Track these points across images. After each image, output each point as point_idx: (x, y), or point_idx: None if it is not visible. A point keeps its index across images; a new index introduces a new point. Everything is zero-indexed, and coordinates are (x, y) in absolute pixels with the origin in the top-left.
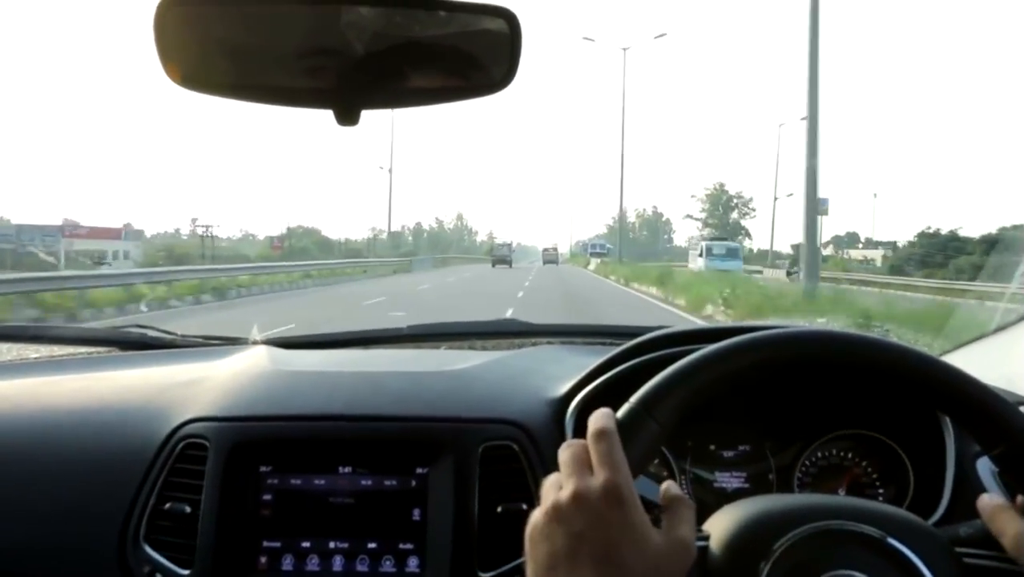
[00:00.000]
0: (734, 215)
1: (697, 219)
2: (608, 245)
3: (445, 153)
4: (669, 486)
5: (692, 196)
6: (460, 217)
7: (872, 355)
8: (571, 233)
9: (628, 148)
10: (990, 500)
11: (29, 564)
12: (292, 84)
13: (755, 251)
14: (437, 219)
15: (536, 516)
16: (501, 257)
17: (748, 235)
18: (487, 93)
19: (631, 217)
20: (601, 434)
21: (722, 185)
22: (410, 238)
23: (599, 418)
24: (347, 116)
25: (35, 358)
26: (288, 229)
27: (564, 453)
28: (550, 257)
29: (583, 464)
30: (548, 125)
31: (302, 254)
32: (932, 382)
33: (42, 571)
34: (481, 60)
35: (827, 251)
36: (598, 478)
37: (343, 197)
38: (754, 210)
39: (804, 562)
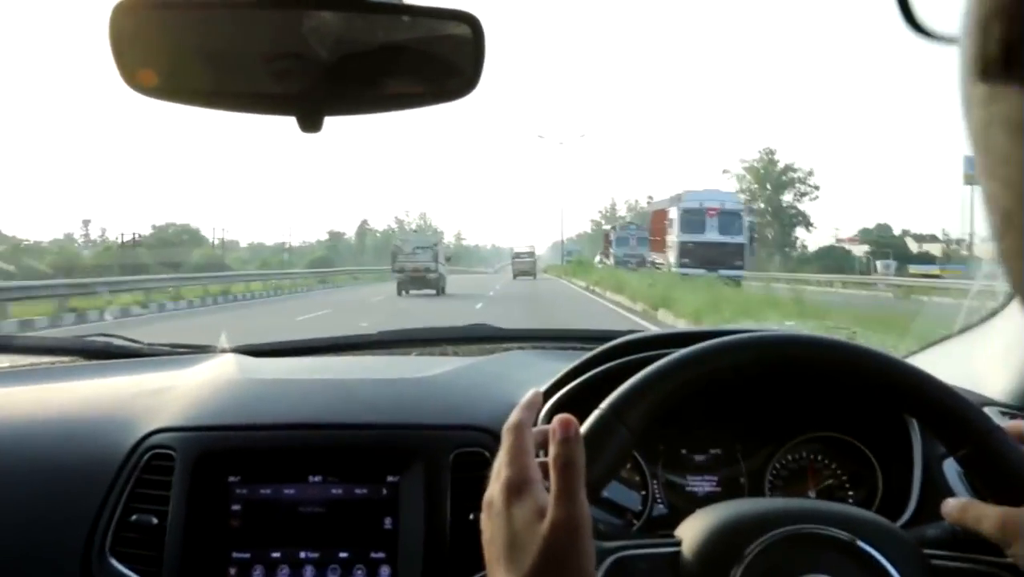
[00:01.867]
0: (787, 196)
1: None
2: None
3: (408, 145)
4: (551, 435)
5: (725, 172)
6: (424, 217)
7: (837, 357)
8: (555, 232)
9: (617, 119)
10: (955, 501)
11: None
12: (253, 90)
13: (810, 250)
14: (397, 219)
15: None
16: (524, 268)
17: (807, 224)
18: (452, 99)
19: (621, 211)
20: (507, 432)
21: (771, 153)
22: (354, 240)
23: (515, 411)
24: (310, 123)
25: None
26: (154, 228)
27: (495, 462)
28: (524, 266)
29: (497, 470)
30: (519, 106)
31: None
32: (897, 384)
33: None
34: (445, 65)
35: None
36: (500, 479)
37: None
38: (816, 189)
39: (776, 566)
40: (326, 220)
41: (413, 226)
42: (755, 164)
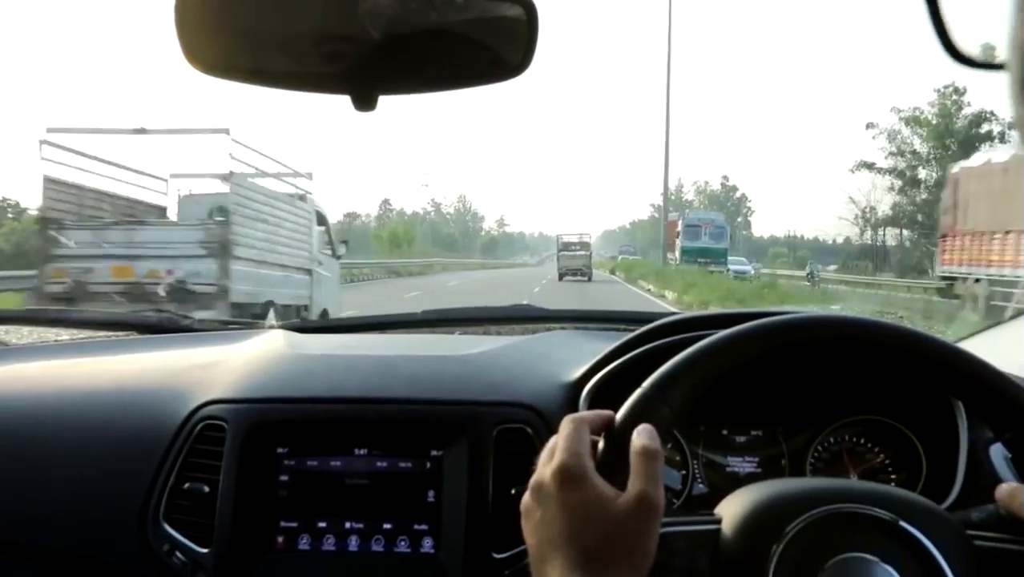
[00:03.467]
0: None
1: (884, 170)
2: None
3: (443, 119)
4: (635, 436)
5: (869, 126)
6: (463, 200)
7: (887, 339)
8: (608, 219)
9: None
10: (1007, 486)
11: (52, 540)
12: (310, 70)
13: None
14: (433, 201)
15: (522, 505)
16: (574, 264)
17: None
18: (504, 79)
19: (688, 193)
20: (568, 421)
21: (958, 92)
22: (372, 222)
23: (579, 414)
24: (365, 101)
25: (55, 341)
26: None
27: (546, 447)
28: (574, 261)
29: (550, 453)
30: (570, 86)
31: None
32: (946, 367)
33: (65, 547)
34: (498, 46)
35: None
36: (552, 464)
37: None
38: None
39: (816, 545)
40: (343, 199)
41: (451, 209)
42: (928, 113)
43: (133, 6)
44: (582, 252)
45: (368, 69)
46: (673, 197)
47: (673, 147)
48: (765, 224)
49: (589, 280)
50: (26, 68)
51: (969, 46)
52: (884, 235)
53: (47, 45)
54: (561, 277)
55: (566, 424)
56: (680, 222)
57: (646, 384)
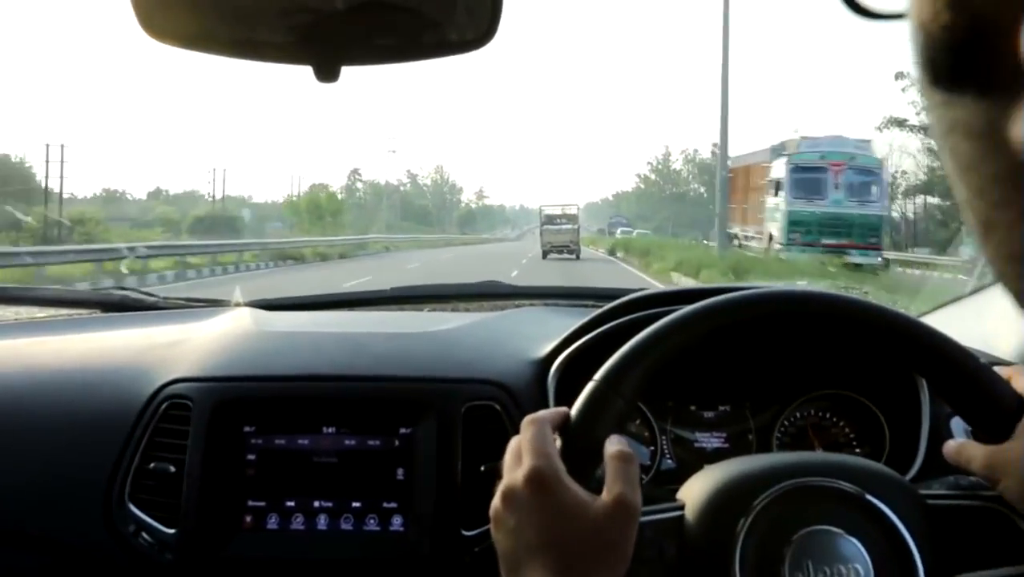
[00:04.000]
0: None
1: (916, 128)
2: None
3: (424, 92)
4: (608, 443)
5: (899, 76)
6: (440, 171)
7: (850, 313)
8: (593, 191)
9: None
10: (953, 442)
11: (15, 522)
12: (270, 39)
13: None
14: (409, 172)
15: (492, 512)
16: (560, 240)
17: None
18: (469, 49)
19: (676, 162)
20: (528, 423)
21: None
22: (342, 194)
23: (538, 413)
24: (326, 73)
25: (15, 319)
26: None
27: (508, 449)
28: (560, 236)
29: (516, 456)
30: (551, 51)
31: None
32: (907, 341)
33: (28, 529)
34: (463, 16)
35: None
36: (523, 467)
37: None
38: None
39: (782, 518)
40: (310, 171)
41: (428, 180)
42: (703, 158)
43: None
44: (568, 225)
45: (330, 39)
46: (659, 166)
47: (659, 111)
48: None
49: (577, 258)
50: None
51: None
52: (915, 204)
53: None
54: (545, 255)
55: (527, 426)
56: (781, 166)
57: (597, 376)
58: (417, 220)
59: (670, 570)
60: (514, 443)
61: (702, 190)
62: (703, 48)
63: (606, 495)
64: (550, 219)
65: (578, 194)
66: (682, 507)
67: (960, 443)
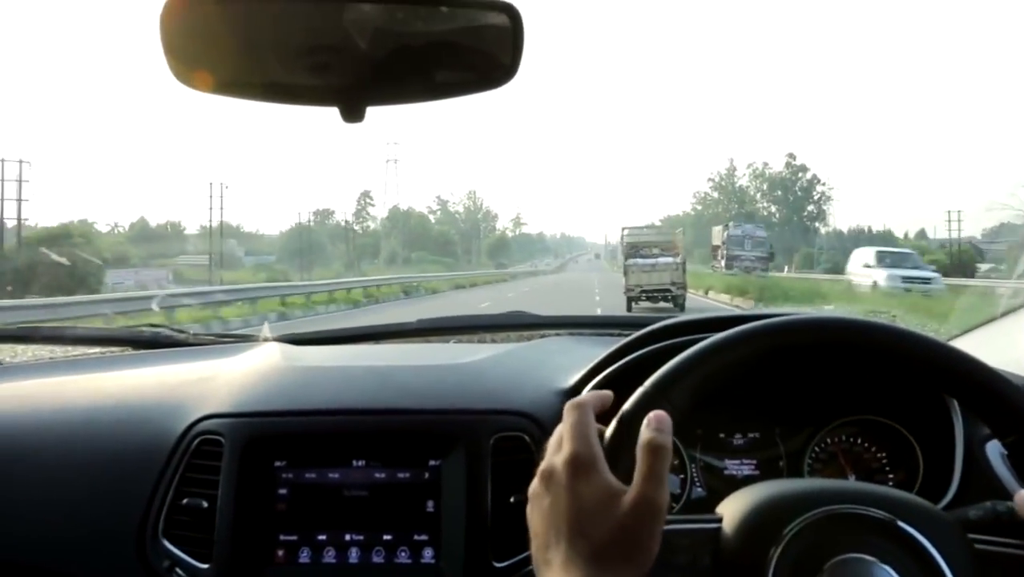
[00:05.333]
0: (810, 206)
1: None
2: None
3: (456, 117)
4: (643, 427)
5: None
6: (472, 196)
7: (882, 340)
8: (634, 216)
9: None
10: None
11: (50, 560)
12: (297, 81)
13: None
14: (439, 199)
15: (530, 491)
16: (654, 283)
17: (823, 220)
18: (492, 87)
19: (742, 178)
20: (571, 408)
21: (796, 164)
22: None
23: (581, 396)
24: (352, 113)
25: (50, 358)
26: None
27: (554, 434)
28: (652, 276)
29: (558, 441)
30: (590, 78)
31: None
32: (943, 368)
33: (63, 567)
34: (484, 55)
35: None
36: (563, 452)
37: None
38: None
39: (814, 546)
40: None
41: (459, 207)
42: (774, 172)
43: (120, 18)
44: (667, 259)
45: (355, 80)
46: (722, 182)
47: (722, 123)
48: (851, 215)
49: (682, 310)
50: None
51: None
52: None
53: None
54: (632, 304)
55: (570, 411)
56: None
57: (648, 383)
58: (438, 250)
59: None
60: (557, 430)
61: (773, 209)
62: (775, 41)
63: (632, 491)
64: (636, 249)
65: (620, 219)
66: (720, 520)
67: None
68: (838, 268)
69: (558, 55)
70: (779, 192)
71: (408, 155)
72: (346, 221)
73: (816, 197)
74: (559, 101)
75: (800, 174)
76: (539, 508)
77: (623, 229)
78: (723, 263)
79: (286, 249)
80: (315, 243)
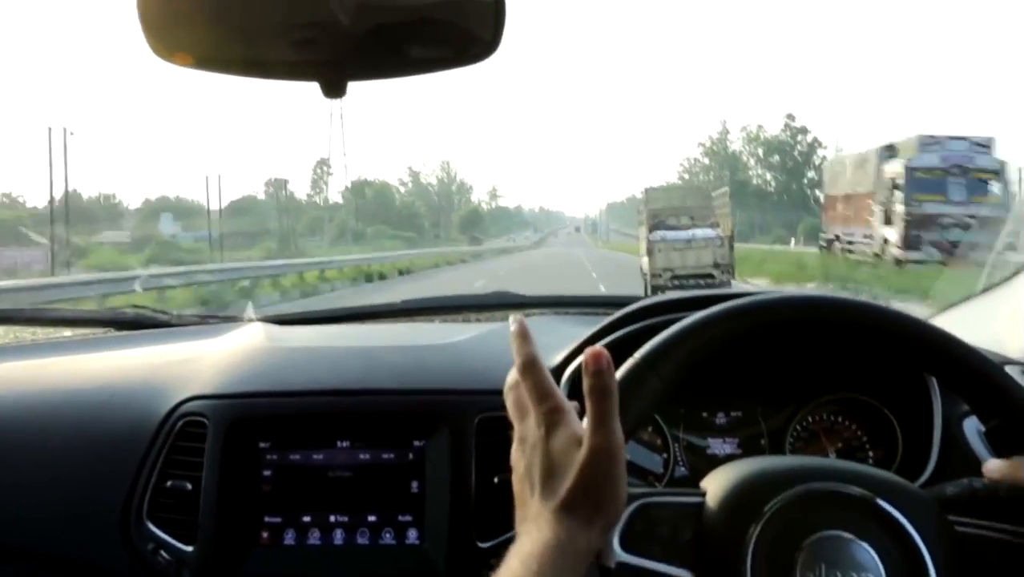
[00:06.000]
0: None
1: None
2: None
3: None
4: (584, 359)
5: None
6: (446, 167)
7: (861, 317)
8: (619, 188)
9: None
10: (999, 462)
11: (34, 542)
12: (277, 57)
13: None
14: (411, 170)
15: (511, 459)
16: (690, 265)
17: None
18: (473, 62)
19: (735, 142)
20: (524, 368)
21: (794, 124)
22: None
23: (516, 347)
24: (333, 88)
25: (32, 340)
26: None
27: (508, 399)
28: (688, 256)
29: (518, 407)
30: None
31: None
32: (918, 344)
33: (48, 548)
34: (466, 30)
35: None
36: (533, 413)
37: None
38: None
39: (794, 522)
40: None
41: (432, 179)
42: (770, 136)
43: None
44: (706, 231)
45: (337, 55)
46: (714, 147)
47: (711, 83)
48: None
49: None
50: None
51: None
52: None
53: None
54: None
55: (526, 374)
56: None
57: (637, 355)
58: (402, 224)
59: (682, 553)
60: (511, 393)
61: (768, 177)
62: None
63: (586, 439)
64: (661, 218)
65: (602, 193)
66: (703, 495)
67: (1000, 463)
68: None
69: (535, 20)
70: (776, 157)
71: (377, 122)
72: (272, 188)
73: (818, 162)
74: (537, 70)
75: (800, 137)
76: (517, 471)
77: (644, 191)
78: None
79: (229, 224)
80: (263, 216)
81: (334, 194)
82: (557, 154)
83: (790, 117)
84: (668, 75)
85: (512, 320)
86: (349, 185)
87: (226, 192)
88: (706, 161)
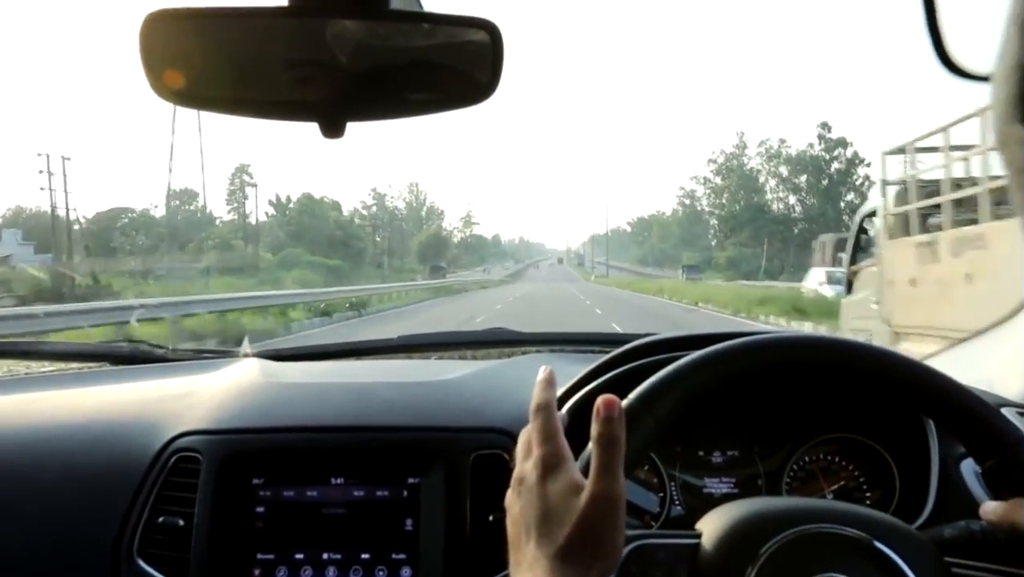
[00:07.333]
0: (849, 195)
1: None
2: None
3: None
4: (596, 409)
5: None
6: (414, 189)
7: (863, 361)
8: (587, 226)
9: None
10: (996, 504)
11: None
12: (277, 98)
13: None
14: (375, 192)
15: (506, 501)
16: None
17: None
18: (471, 103)
19: (752, 159)
20: (537, 409)
21: (830, 134)
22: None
23: (537, 391)
24: (332, 128)
25: (26, 374)
26: None
27: (521, 438)
28: None
29: (526, 447)
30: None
31: None
32: (919, 388)
33: None
34: (465, 71)
35: None
36: (534, 455)
37: None
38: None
39: (791, 565)
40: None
41: (400, 201)
42: (799, 151)
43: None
44: None
45: (336, 95)
46: (729, 163)
47: (729, 91)
48: None
49: None
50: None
51: (965, 57)
52: None
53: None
54: None
55: (535, 415)
56: None
57: (632, 396)
58: (333, 249)
59: None
60: (524, 434)
61: (791, 200)
62: None
63: (589, 486)
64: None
65: (583, 226)
66: (699, 536)
67: (1008, 506)
68: None
69: (520, 47)
70: (806, 177)
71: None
72: (178, 201)
73: (858, 182)
74: (520, 96)
75: (838, 151)
76: (511, 514)
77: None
78: None
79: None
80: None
81: (259, 209)
82: (539, 183)
83: (824, 127)
84: (661, 95)
85: (543, 369)
86: (274, 200)
87: (101, 203)
88: (718, 180)
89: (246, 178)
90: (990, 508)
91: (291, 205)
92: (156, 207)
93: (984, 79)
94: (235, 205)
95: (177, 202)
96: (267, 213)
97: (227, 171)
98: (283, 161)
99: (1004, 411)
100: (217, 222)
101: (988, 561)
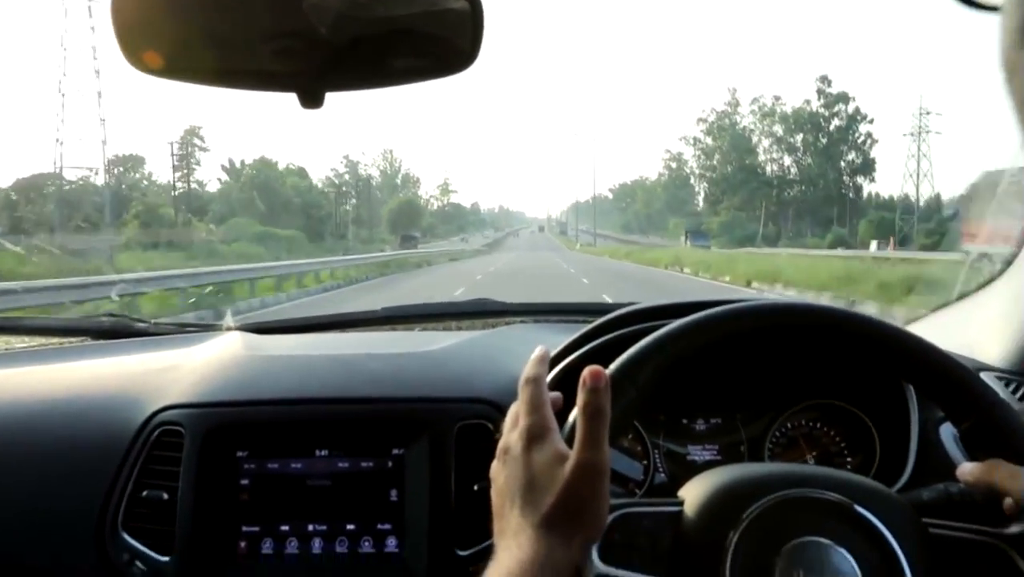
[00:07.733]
0: (850, 154)
1: None
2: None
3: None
4: (582, 380)
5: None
6: (388, 156)
7: (844, 326)
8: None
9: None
10: (972, 465)
11: (8, 552)
12: (254, 68)
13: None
14: (347, 159)
15: (491, 471)
16: None
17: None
18: (451, 73)
19: (744, 117)
20: (525, 383)
21: (829, 87)
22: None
23: (529, 365)
24: (311, 99)
25: (6, 349)
26: None
27: (510, 409)
28: None
29: (515, 418)
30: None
31: None
32: (900, 353)
33: (21, 559)
34: (445, 39)
35: None
36: (520, 425)
37: None
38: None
39: (772, 529)
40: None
41: (374, 169)
42: (794, 108)
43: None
44: None
45: (314, 66)
46: (721, 121)
47: (720, 41)
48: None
49: None
50: None
51: None
52: None
53: None
54: None
55: (524, 386)
56: None
57: (613, 366)
58: (292, 219)
59: (662, 563)
60: (513, 408)
61: (786, 161)
62: None
63: (573, 455)
64: None
65: (564, 195)
66: (681, 503)
67: (984, 466)
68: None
69: (498, 14)
70: (803, 135)
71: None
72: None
73: (859, 139)
74: (499, 64)
75: (839, 106)
76: (497, 484)
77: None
78: None
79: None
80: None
81: (211, 176)
82: (519, 151)
83: (824, 80)
84: (645, 55)
85: (539, 348)
86: (227, 165)
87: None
88: (709, 140)
89: (197, 142)
90: (967, 469)
91: (244, 171)
92: (95, 172)
93: (995, 8)
94: (184, 172)
95: (120, 169)
96: (220, 180)
97: (177, 135)
98: (247, 127)
99: (983, 375)
100: (174, 193)
101: (966, 521)
